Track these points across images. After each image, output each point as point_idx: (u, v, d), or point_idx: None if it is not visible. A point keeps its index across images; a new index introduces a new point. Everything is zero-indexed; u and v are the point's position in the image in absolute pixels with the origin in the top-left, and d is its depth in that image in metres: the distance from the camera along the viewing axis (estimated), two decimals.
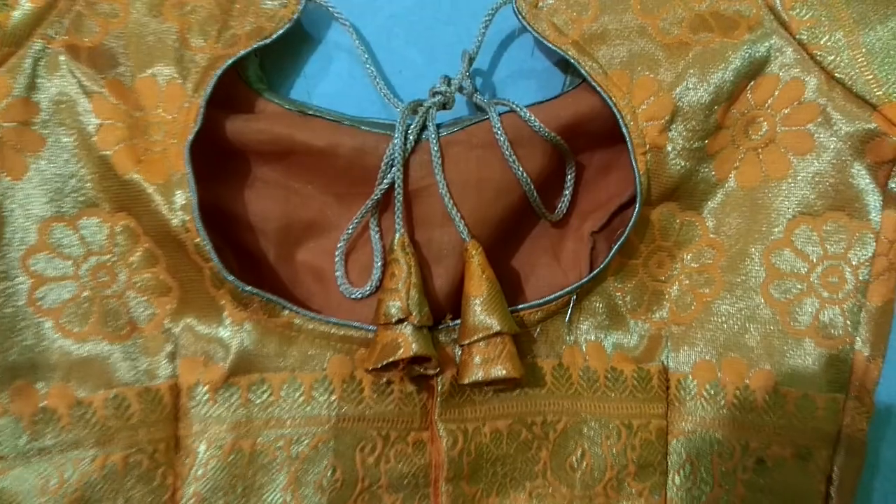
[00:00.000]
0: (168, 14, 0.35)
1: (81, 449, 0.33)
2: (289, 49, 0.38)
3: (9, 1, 0.34)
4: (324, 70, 0.39)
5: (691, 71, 0.34)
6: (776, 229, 0.36)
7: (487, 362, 0.34)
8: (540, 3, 0.36)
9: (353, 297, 0.35)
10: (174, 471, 0.34)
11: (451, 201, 0.34)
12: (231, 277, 0.32)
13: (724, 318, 0.36)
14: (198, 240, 0.32)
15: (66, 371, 0.33)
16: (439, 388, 0.35)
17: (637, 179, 0.34)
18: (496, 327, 0.34)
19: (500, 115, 0.35)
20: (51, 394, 0.33)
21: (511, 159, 0.34)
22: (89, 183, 0.33)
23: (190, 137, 0.32)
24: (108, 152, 0.33)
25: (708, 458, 0.36)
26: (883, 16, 0.34)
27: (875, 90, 0.34)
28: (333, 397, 0.34)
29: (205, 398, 0.34)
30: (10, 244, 0.33)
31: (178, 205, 0.32)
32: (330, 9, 0.36)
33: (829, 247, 0.35)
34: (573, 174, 0.37)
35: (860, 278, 0.35)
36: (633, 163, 0.34)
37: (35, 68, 0.34)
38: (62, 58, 0.33)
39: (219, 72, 0.33)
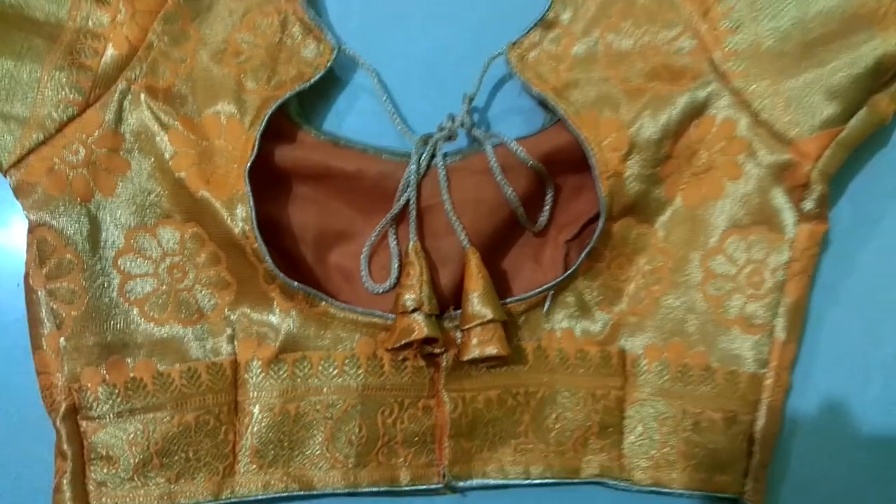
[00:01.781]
0: (227, 62, 0.41)
1: (162, 411, 0.40)
2: (323, 89, 0.44)
3: (99, 48, 0.40)
4: (351, 107, 0.45)
5: (645, 112, 0.41)
6: (712, 239, 0.43)
7: (482, 343, 0.40)
8: (526, 56, 0.43)
9: (375, 291, 0.42)
10: (234, 428, 0.41)
11: (455, 216, 0.41)
12: (281, 275, 0.39)
13: (669, 310, 0.43)
14: (255, 245, 0.39)
15: (150, 349, 0.40)
16: (444, 363, 0.42)
17: (601, 199, 0.41)
18: (489, 316, 0.40)
19: (493, 146, 0.42)
20: (138, 367, 0.40)
21: (502, 183, 0.41)
22: (164, 198, 0.40)
23: (248, 164, 0.39)
24: (181, 174, 0.40)
25: (655, 420, 0.43)
26: (798, 69, 0.41)
27: (791, 129, 0.41)
28: (360, 371, 0.41)
29: (259, 371, 0.41)
30: (104, 247, 0.40)
31: (240, 217, 0.39)
32: (356, 57, 0.43)
33: (753, 253, 0.42)
34: (552, 194, 0.43)
35: (777, 279, 0.42)
36: (598, 186, 0.41)
37: (121, 105, 0.40)
38: (143, 96, 0.40)
39: (270, 111, 0.40)
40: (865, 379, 0.46)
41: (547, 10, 0.43)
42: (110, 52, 0.40)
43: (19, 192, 0.39)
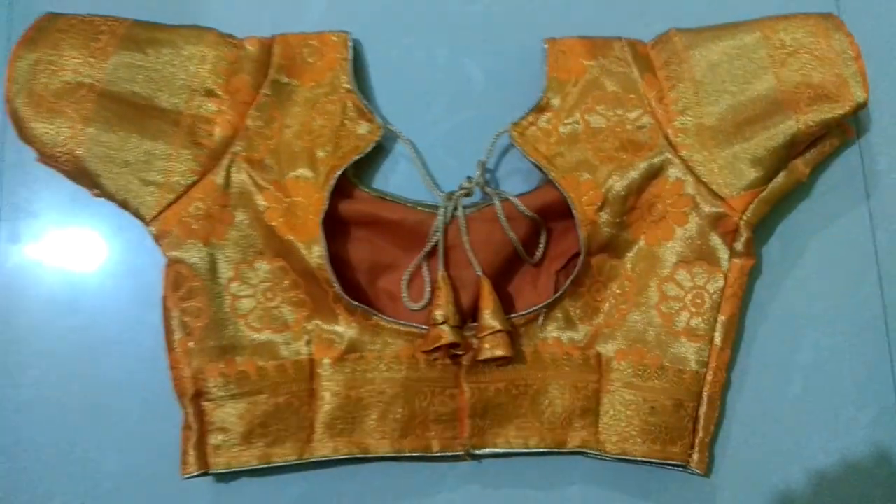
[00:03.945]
0: (303, 138, 0.52)
1: (262, 394, 0.49)
2: (373, 157, 0.55)
3: (210, 130, 0.52)
4: (393, 170, 0.56)
5: (615, 175, 0.51)
6: (665, 270, 0.51)
7: (493, 347, 0.48)
8: (525, 132, 0.53)
9: (413, 309, 0.51)
10: (311, 408, 0.50)
11: (472, 253, 0.50)
12: (346, 297, 0.49)
13: (633, 324, 0.51)
14: (327, 275, 0.49)
15: (252, 350, 0.50)
16: (465, 362, 0.50)
17: (581, 241, 0.50)
18: (498, 327, 0.48)
19: (501, 201, 0.51)
20: (245, 363, 0.50)
21: (507, 228, 0.51)
22: (259, 241, 0.51)
23: (321, 216, 0.49)
24: (273, 224, 0.50)
25: (622, 406, 0.51)
26: (730, 143, 0.51)
27: (724, 189, 0.51)
28: (403, 367, 0.50)
29: (329, 367, 0.50)
30: (219, 277, 0.50)
31: (315, 255, 0.49)
32: (397, 132, 0.55)
33: (696, 281, 0.51)
34: (545, 236, 0.53)
35: (715, 300, 0.51)
36: (579, 231, 0.50)
37: (228, 172, 0.51)
38: (243, 165, 0.51)
39: (336, 175, 0.50)
40: (788, 379, 0.56)
41: (541, 98, 0.54)
42: (219, 133, 0.51)
43: (159, 237, 0.50)
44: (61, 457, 0.55)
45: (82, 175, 0.51)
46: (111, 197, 0.51)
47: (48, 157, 0.51)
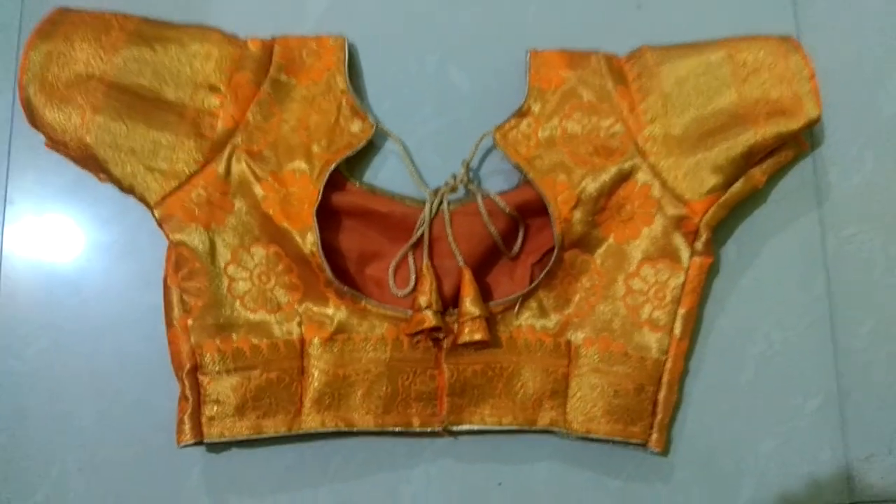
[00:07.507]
0: (300, 133, 0.55)
1: (255, 370, 0.52)
2: (364, 153, 0.59)
3: (213, 123, 0.55)
4: (383, 166, 0.59)
5: (588, 178, 0.55)
6: (632, 266, 0.55)
7: (472, 332, 0.52)
8: (507, 135, 0.57)
9: (398, 295, 0.54)
10: (301, 384, 0.53)
11: (455, 245, 0.54)
12: (336, 282, 0.52)
13: (600, 314, 0.55)
14: (319, 261, 0.52)
15: (247, 329, 0.53)
16: (445, 345, 0.53)
17: (556, 237, 0.53)
18: (477, 313, 0.52)
19: (482, 198, 0.54)
20: (240, 340, 0.53)
21: (488, 223, 0.55)
22: (256, 228, 0.54)
23: (315, 206, 0.52)
24: (269, 212, 0.53)
25: (589, 389, 0.54)
26: (694, 152, 0.55)
27: (687, 193, 0.55)
28: (387, 348, 0.53)
29: (318, 346, 0.53)
30: (218, 260, 0.53)
31: (309, 242, 0.52)
32: (387, 131, 0.59)
33: (659, 277, 0.55)
34: (523, 231, 0.56)
35: (675, 295, 0.55)
36: (554, 228, 0.54)
37: (229, 163, 0.54)
38: (243, 156, 0.54)
39: (330, 169, 0.53)
40: (741, 367, 0.60)
41: (522, 104, 0.58)
42: (221, 125, 0.54)
43: (162, 220, 0.53)
44: (61, 426, 0.58)
45: (90, 161, 0.54)
46: (117, 182, 0.54)
47: (57, 143, 0.54)
